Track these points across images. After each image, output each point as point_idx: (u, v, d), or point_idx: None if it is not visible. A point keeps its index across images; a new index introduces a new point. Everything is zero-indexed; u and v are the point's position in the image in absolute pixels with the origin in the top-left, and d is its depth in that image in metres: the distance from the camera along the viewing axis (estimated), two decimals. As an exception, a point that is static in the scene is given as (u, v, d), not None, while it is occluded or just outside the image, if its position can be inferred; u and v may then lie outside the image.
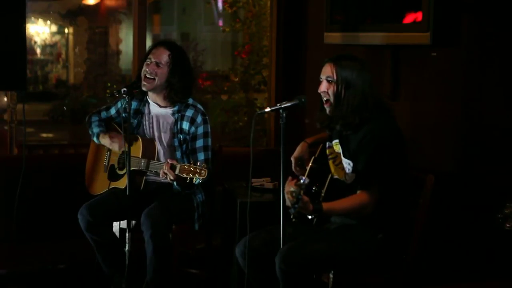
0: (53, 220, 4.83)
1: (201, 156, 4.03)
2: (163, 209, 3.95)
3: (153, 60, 4.06)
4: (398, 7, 4.11)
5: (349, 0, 4.45)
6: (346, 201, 3.33)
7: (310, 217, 3.29)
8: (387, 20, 4.19)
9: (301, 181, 3.04)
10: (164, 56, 4.07)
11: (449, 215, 4.03)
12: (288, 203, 3.12)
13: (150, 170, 4.00)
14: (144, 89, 4.07)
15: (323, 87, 3.41)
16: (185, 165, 3.76)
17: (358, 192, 3.32)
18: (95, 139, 4.26)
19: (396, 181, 3.36)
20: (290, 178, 3.19)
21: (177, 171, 3.76)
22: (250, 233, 3.44)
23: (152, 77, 4.05)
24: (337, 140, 3.49)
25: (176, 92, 4.07)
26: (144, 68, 4.07)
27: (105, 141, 4.22)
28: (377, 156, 3.30)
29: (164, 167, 3.83)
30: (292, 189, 3.07)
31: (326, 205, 3.28)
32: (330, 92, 3.40)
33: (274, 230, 3.31)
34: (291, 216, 3.25)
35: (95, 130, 4.26)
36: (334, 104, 3.40)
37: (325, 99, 3.42)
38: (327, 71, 3.41)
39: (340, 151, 3.46)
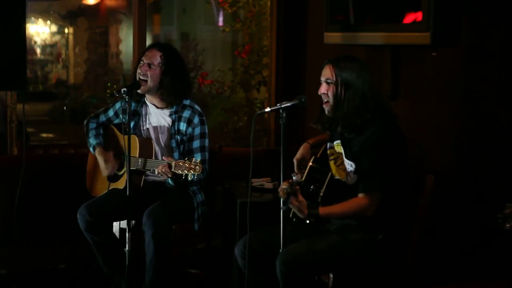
0: (53, 220, 4.82)
1: (198, 157, 4.02)
2: (164, 209, 3.96)
3: (145, 61, 4.08)
4: (398, 7, 4.11)
5: (349, 0, 4.45)
6: (344, 205, 3.33)
7: (307, 221, 3.29)
8: (387, 20, 4.19)
9: (293, 179, 3.09)
10: (156, 57, 4.08)
11: (449, 215, 4.03)
12: (280, 200, 3.14)
13: (147, 169, 4.00)
14: (139, 91, 4.09)
15: (323, 89, 3.42)
16: (179, 161, 3.79)
17: (359, 195, 3.32)
18: (91, 150, 4.26)
19: (397, 182, 3.36)
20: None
21: (172, 168, 3.79)
22: (249, 233, 3.44)
23: (144, 79, 4.06)
24: (338, 141, 3.48)
25: (168, 93, 4.08)
26: (137, 71, 4.09)
27: (99, 158, 4.21)
28: (379, 160, 3.29)
29: (160, 168, 3.84)
30: (283, 186, 3.11)
31: (323, 210, 3.28)
32: (330, 93, 3.40)
33: (274, 230, 3.30)
34: (290, 215, 3.25)
35: (92, 141, 4.25)
36: (333, 106, 3.40)
37: (325, 100, 3.43)
38: (327, 73, 3.41)
39: (342, 151, 3.45)
